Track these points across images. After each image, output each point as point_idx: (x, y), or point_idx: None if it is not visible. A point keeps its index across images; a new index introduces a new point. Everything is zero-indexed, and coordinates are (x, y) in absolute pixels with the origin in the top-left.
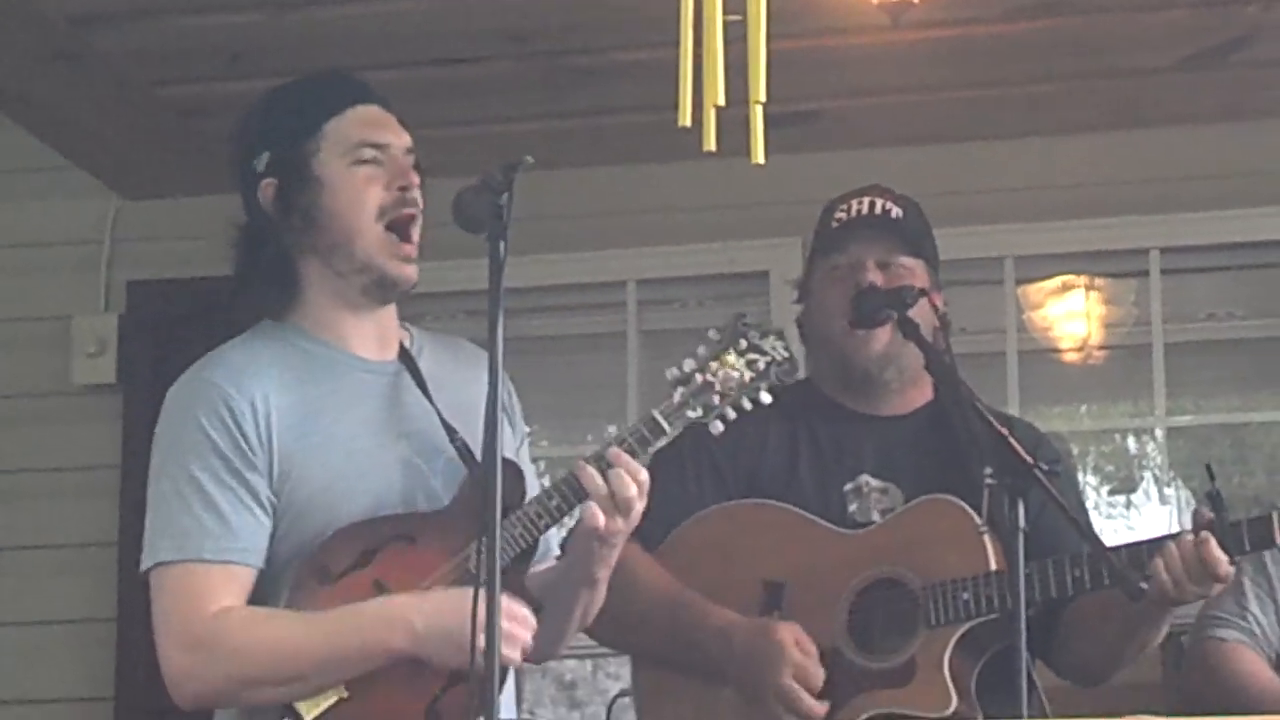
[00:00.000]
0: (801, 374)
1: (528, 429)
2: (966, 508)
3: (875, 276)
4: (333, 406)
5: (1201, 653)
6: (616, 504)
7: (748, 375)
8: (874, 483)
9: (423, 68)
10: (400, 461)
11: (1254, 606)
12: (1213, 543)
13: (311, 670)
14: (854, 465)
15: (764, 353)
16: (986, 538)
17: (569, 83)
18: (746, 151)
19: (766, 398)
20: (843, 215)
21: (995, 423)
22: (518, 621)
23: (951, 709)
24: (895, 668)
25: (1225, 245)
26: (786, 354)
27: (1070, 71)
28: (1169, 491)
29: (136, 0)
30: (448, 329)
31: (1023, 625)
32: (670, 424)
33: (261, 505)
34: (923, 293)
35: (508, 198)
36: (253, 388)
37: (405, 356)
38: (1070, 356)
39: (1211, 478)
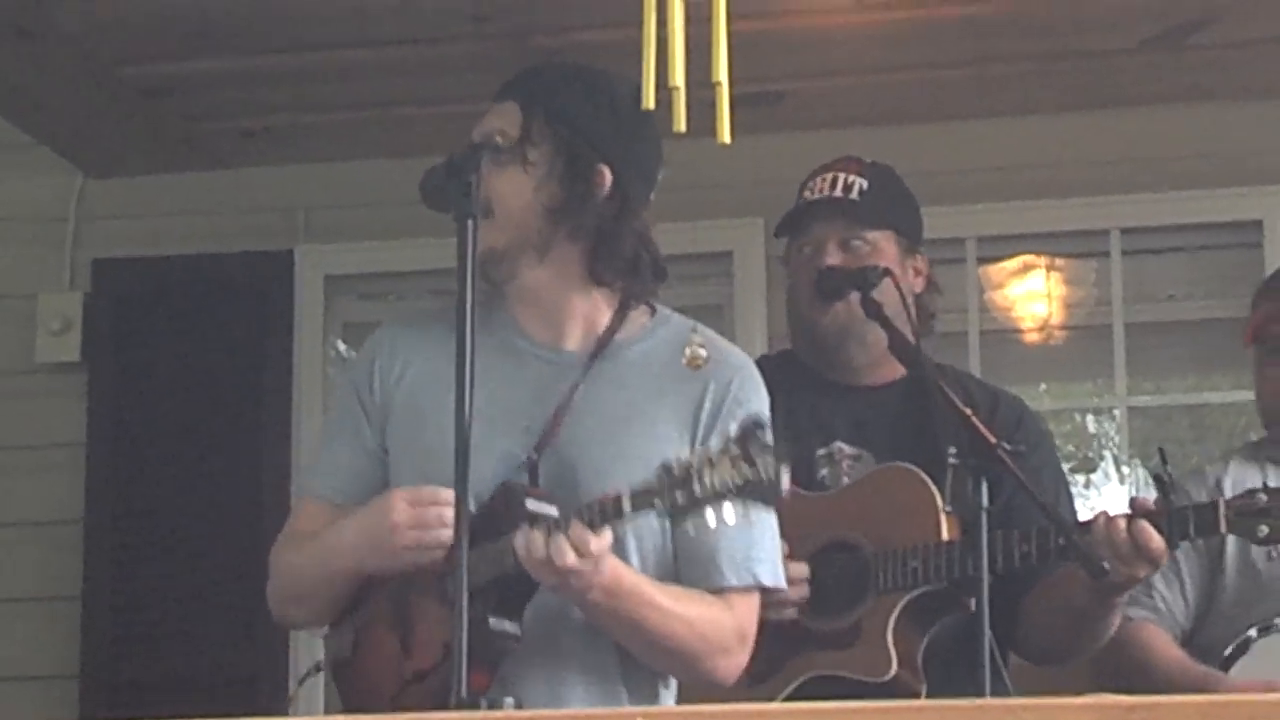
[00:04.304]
0: None
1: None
2: (925, 478)
3: (835, 258)
4: (477, 387)
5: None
6: (549, 568)
7: (727, 484)
8: (847, 449)
9: (388, 47)
10: (503, 455)
11: (1160, 585)
12: (1145, 524)
13: (307, 591)
14: (828, 431)
15: (754, 469)
16: (941, 509)
17: (533, 63)
18: (711, 133)
19: (728, 514)
20: (807, 194)
21: (959, 403)
22: (420, 512)
23: (890, 675)
24: (840, 630)
25: (1185, 226)
26: (773, 479)
27: (1032, 52)
28: (1128, 471)
29: None
30: (414, 308)
31: (985, 601)
32: (633, 506)
33: (367, 453)
34: (886, 272)
35: (476, 177)
36: (404, 349)
37: (594, 353)
38: (1031, 336)
39: (1164, 460)
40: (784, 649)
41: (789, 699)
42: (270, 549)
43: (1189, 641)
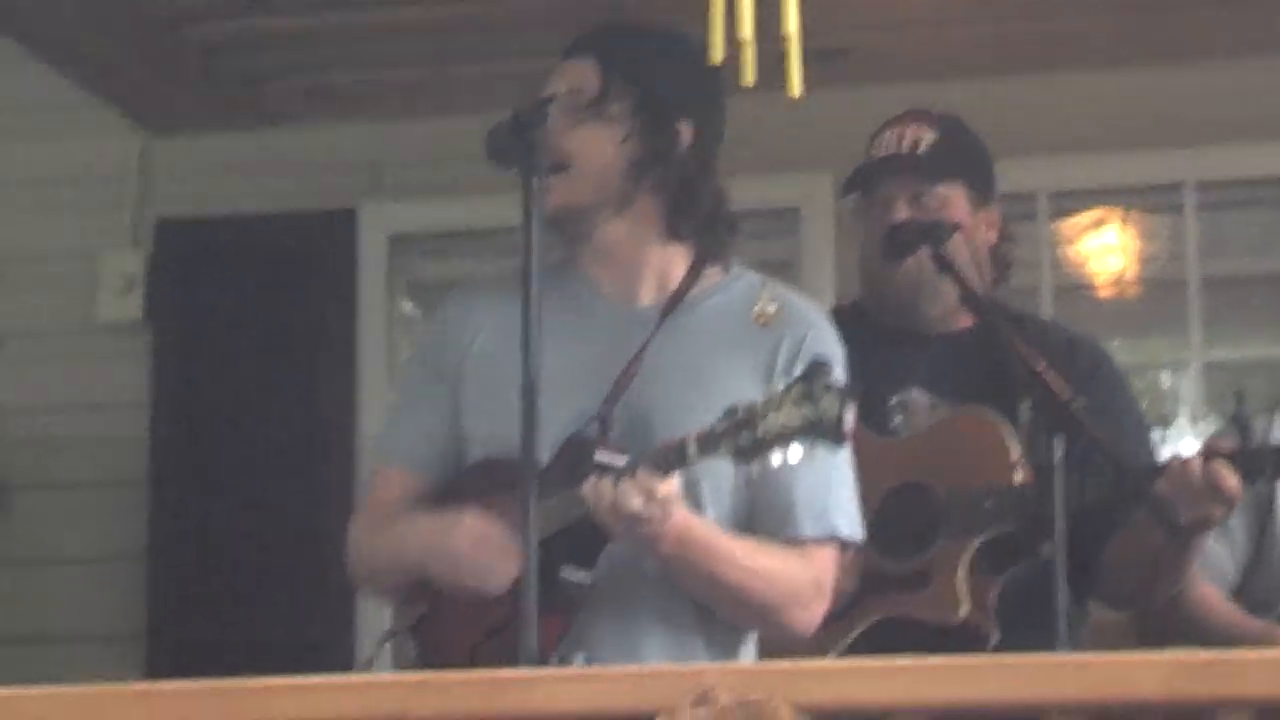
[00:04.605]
0: None
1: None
2: (1000, 421)
3: (904, 212)
4: (551, 345)
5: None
6: (616, 513)
7: (792, 424)
8: (921, 397)
9: (451, 5)
10: (577, 411)
11: (1221, 551)
12: (1219, 464)
13: (380, 579)
14: (902, 380)
15: (817, 407)
16: (1014, 451)
17: (603, 20)
18: (776, 87)
19: (793, 455)
20: (876, 150)
21: (1032, 360)
22: (484, 546)
23: (960, 616)
24: (911, 572)
25: (1260, 179)
26: (837, 416)
27: (1104, 4)
28: (1203, 427)
29: None
30: (480, 267)
31: (1061, 559)
32: (699, 451)
33: (442, 422)
34: (956, 227)
35: (542, 133)
36: (476, 315)
37: (667, 307)
38: (1105, 292)
39: (1239, 402)
40: (857, 592)
41: (858, 641)
42: (333, 506)
43: (1237, 595)
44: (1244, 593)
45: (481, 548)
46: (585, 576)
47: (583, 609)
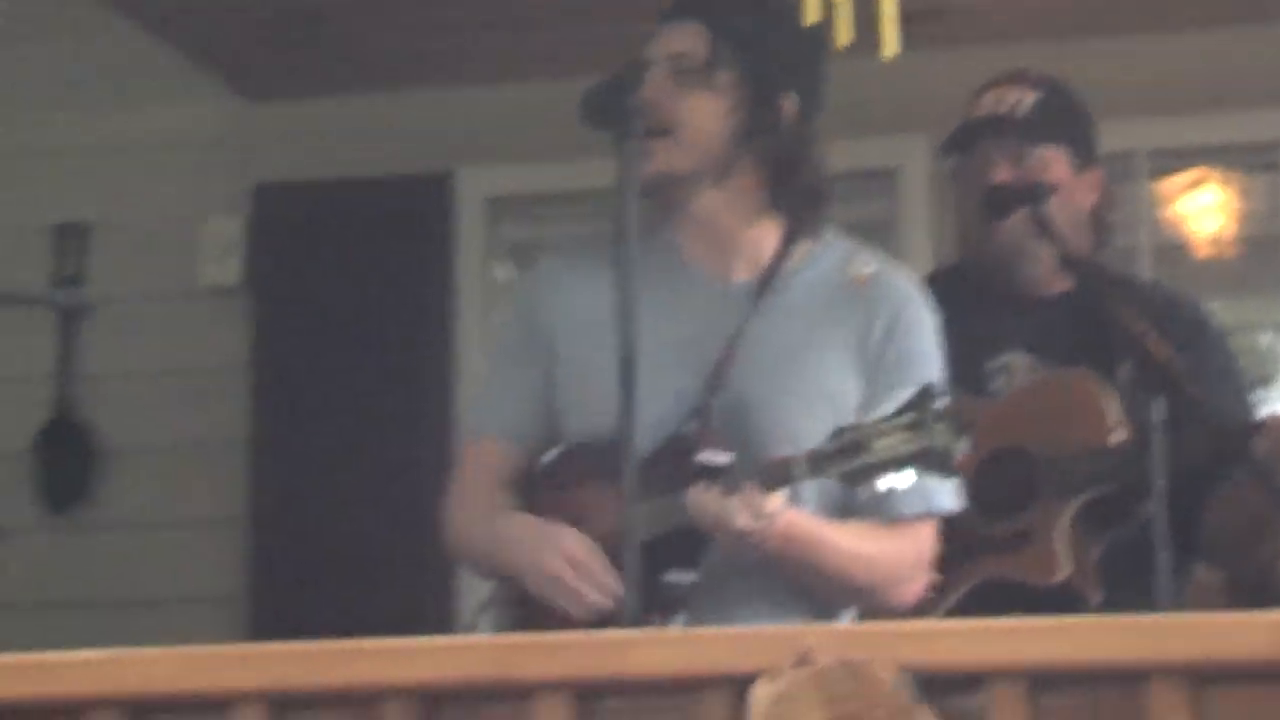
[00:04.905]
0: None
1: None
2: (1099, 383)
3: (1003, 173)
4: (643, 317)
5: None
6: (723, 528)
7: (902, 453)
8: (1020, 359)
9: None
10: (675, 394)
11: None
12: None
13: (479, 562)
14: (1000, 343)
15: (930, 439)
16: (1111, 412)
17: None
18: (872, 49)
19: (904, 478)
20: (975, 110)
21: (1131, 322)
22: (581, 572)
23: (1059, 577)
24: (1011, 535)
25: None
26: (948, 449)
27: None
28: None
29: None
30: (576, 231)
31: (1162, 517)
32: (807, 473)
33: (536, 392)
34: (1055, 188)
35: (637, 97)
36: (566, 285)
37: (763, 280)
38: (1204, 251)
39: None
40: (953, 554)
41: (959, 604)
42: (430, 469)
43: None
44: None
45: (581, 572)
46: (689, 577)
47: (686, 607)
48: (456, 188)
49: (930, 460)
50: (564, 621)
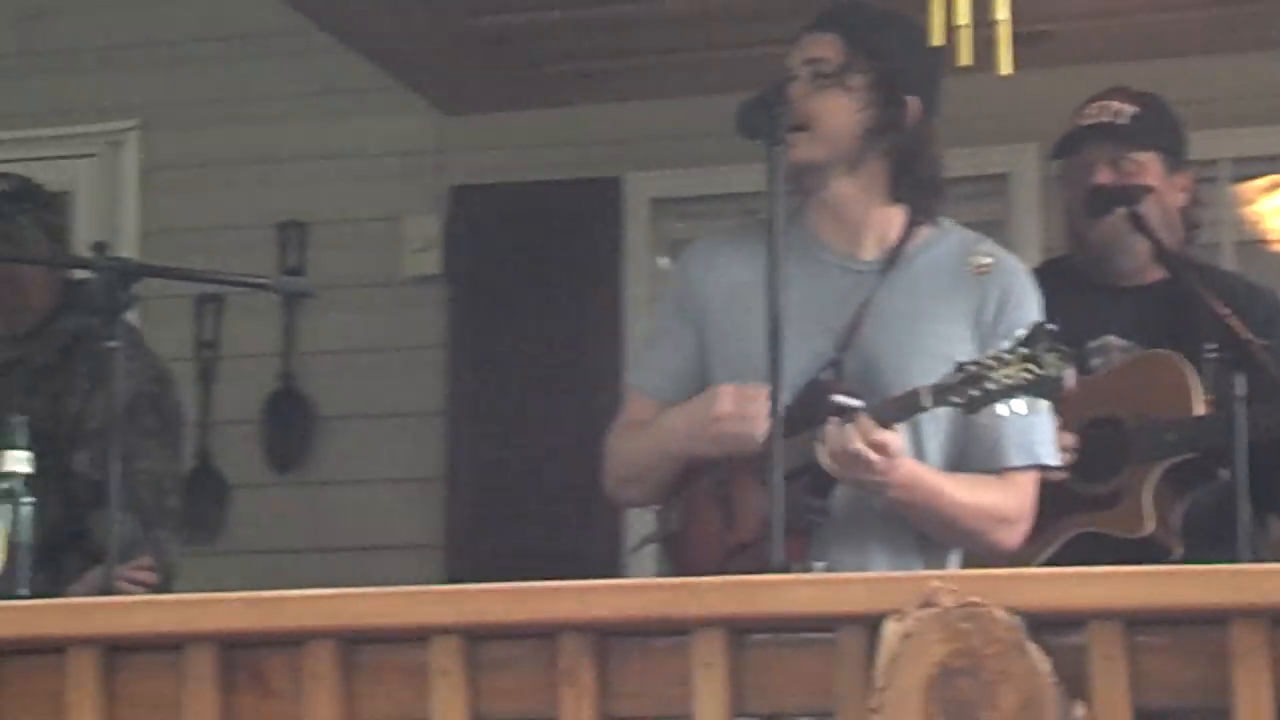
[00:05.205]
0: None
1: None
2: (1182, 361)
3: (1104, 176)
4: (790, 299)
5: None
6: (839, 454)
7: (1018, 381)
8: (1117, 342)
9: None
10: (811, 354)
11: None
12: None
13: (640, 473)
14: (1100, 327)
15: (1041, 368)
16: (1195, 387)
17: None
18: (989, 67)
19: (1017, 406)
20: (1080, 120)
21: (1217, 305)
22: (742, 403)
23: (1146, 531)
24: (1103, 494)
25: None
26: (1058, 376)
27: None
28: None
29: None
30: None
31: (1242, 478)
32: (933, 402)
33: (687, 358)
34: (1150, 189)
35: (783, 109)
36: (718, 262)
37: (889, 259)
38: (1279, 246)
39: None
40: (1052, 510)
41: (1056, 554)
42: (601, 436)
43: None
44: None
45: (743, 401)
46: (822, 504)
47: (818, 532)
48: (624, 191)
49: (1043, 387)
50: (706, 549)
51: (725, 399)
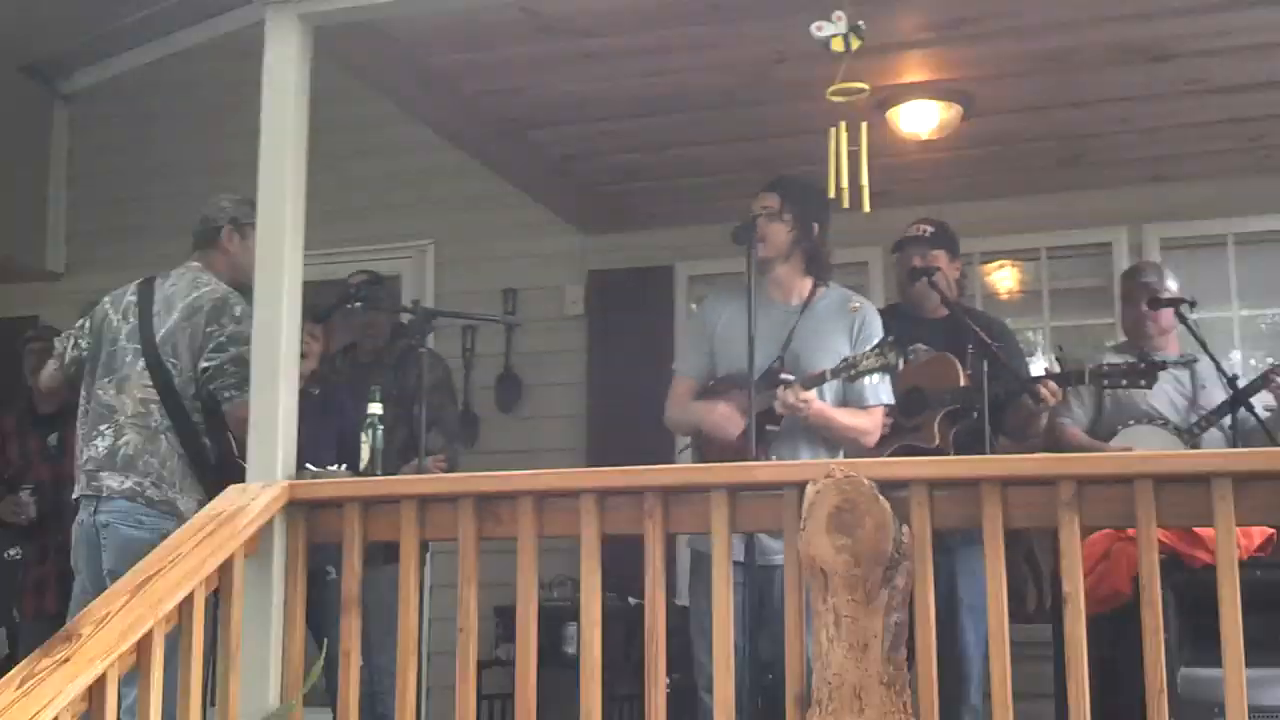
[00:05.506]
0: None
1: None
2: (954, 358)
3: (918, 262)
4: (755, 326)
5: (1052, 425)
6: (783, 402)
7: (873, 365)
8: (923, 348)
9: (724, 149)
10: (768, 354)
11: (1075, 406)
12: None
13: (680, 426)
14: (914, 339)
15: (885, 359)
16: (961, 371)
17: (781, 173)
18: (859, 207)
19: (874, 377)
20: (905, 233)
21: (976, 326)
22: (728, 417)
23: (936, 445)
24: (913, 425)
25: None
26: (894, 364)
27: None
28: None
29: (563, 112)
30: (724, 288)
31: (986, 419)
32: (831, 376)
33: (704, 356)
34: (938, 269)
35: (754, 230)
36: (718, 309)
37: (804, 304)
38: (1003, 297)
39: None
40: (890, 433)
41: (890, 454)
42: (664, 399)
43: (1088, 432)
44: (1089, 431)
45: (728, 417)
46: (776, 428)
47: (774, 441)
48: (675, 272)
49: (886, 368)
50: (719, 450)
51: (719, 412)
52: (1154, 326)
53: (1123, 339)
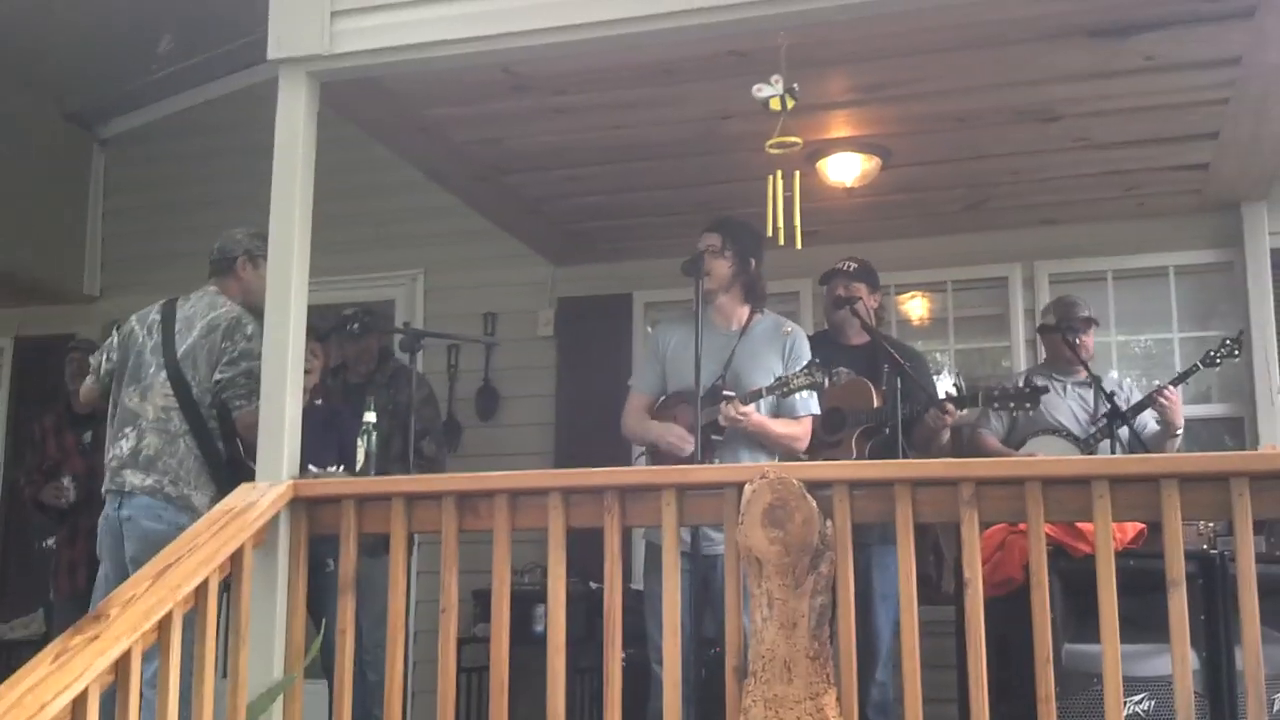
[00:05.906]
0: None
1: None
2: (869, 381)
3: (842, 292)
4: (701, 348)
5: (974, 434)
6: (726, 414)
7: (803, 384)
8: (846, 371)
9: (682, 189)
10: (711, 373)
11: (993, 420)
12: (947, 401)
13: (635, 437)
14: (837, 363)
15: (813, 378)
16: (875, 392)
17: (724, 213)
18: (793, 245)
19: (804, 393)
20: (833, 267)
21: (892, 350)
22: (679, 437)
23: (853, 458)
24: (834, 441)
25: None
26: (820, 382)
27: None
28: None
29: (536, 160)
30: (674, 315)
31: (899, 434)
32: (767, 393)
33: (657, 375)
34: (859, 299)
35: (701, 263)
36: (669, 333)
37: (743, 329)
38: (915, 325)
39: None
40: (814, 446)
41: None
42: (621, 412)
43: (1004, 442)
44: (1005, 439)
45: (683, 438)
46: (720, 437)
47: (718, 448)
48: (633, 300)
49: (813, 386)
50: (671, 459)
51: (672, 432)
52: (1071, 354)
53: (1041, 362)
